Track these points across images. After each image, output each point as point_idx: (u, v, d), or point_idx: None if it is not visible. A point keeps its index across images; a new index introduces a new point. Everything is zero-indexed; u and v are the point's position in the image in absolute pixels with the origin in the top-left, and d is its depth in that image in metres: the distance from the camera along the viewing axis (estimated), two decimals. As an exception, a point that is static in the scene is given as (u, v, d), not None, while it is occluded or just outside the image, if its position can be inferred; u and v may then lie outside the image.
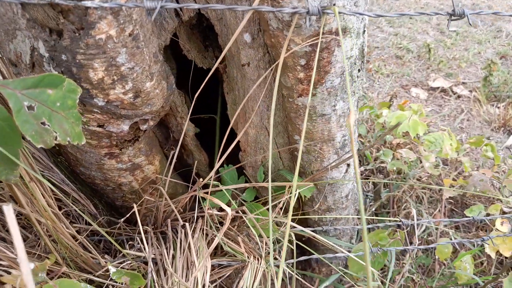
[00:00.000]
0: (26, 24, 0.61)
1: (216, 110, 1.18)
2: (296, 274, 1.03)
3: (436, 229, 1.50)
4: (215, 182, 1.07)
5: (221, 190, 1.06)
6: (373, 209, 1.60)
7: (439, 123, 2.50)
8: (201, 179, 0.99)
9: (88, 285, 0.71)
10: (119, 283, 0.87)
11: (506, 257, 1.50)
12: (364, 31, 0.76)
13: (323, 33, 0.66)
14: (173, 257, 1.03)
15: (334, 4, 0.63)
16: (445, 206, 1.68)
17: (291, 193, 1.07)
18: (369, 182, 1.72)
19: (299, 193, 1.08)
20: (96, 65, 0.62)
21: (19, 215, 0.96)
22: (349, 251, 1.19)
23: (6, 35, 0.67)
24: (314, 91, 0.80)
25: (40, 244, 0.96)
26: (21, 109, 0.49)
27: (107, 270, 0.91)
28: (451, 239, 1.49)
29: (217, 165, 0.93)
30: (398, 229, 1.09)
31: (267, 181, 1.12)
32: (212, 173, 0.94)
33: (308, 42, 0.67)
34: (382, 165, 1.81)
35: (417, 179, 1.71)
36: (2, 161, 0.52)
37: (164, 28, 0.77)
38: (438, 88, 2.94)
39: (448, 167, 1.80)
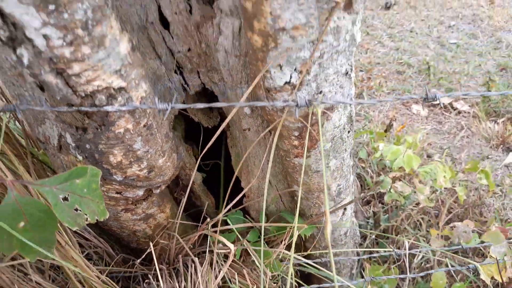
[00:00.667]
0: (55, 118, 0.71)
1: (220, 154, 1.28)
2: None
3: (434, 255, 1.57)
4: (224, 218, 1.17)
5: (228, 229, 1.16)
6: (373, 236, 1.68)
7: (438, 142, 2.57)
8: (208, 219, 1.08)
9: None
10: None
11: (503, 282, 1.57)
12: (351, 98, 0.85)
13: (312, 113, 0.75)
14: (185, 289, 1.13)
15: (320, 92, 0.72)
16: (441, 231, 1.75)
17: (291, 233, 1.16)
18: (370, 209, 1.80)
19: (300, 233, 1.16)
20: (115, 152, 0.71)
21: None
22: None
23: (36, 120, 0.77)
24: (308, 153, 0.88)
25: (68, 285, 1.06)
26: (58, 202, 0.59)
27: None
28: (447, 265, 1.57)
29: (224, 210, 1.03)
30: (393, 266, 1.18)
31: (269, 222, 1.21)
32: (220, 216, 1.03)
33: (299, 121, 0.76)
34: (382, 190, 1.89)
35: (416, 204, 1.79)
36: (42, 242, 0.62)
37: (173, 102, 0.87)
38: (438, 104, 3.01)
39: (445, 191, 1.88)
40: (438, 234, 1.06)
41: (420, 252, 1.43)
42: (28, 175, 0.79)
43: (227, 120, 0.72)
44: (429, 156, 2.32)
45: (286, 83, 0.67)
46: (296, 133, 0.81)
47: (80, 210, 0.60)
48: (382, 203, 1.84)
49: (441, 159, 2.10)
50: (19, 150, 0.83)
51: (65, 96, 0.60)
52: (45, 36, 0.52)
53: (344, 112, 0.83)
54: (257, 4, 0.57)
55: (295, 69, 0.65)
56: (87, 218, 0.62)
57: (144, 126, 0.70)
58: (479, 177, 1.66)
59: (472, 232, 1.35)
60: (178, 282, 1.16)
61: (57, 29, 0.52)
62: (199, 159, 0.90)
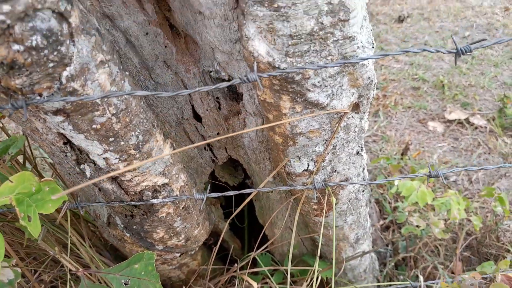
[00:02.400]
0: (106, 204, 0.82)
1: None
2: None
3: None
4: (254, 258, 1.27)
5: (255, 271, 1.27)
6: (393, 263, 1.76)
7: (455, 161, 2.61)
8: (236, 264, 1.19)
9: None
10: None
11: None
12: (364, 168, 0.94)
13: (329, 185, 0.85)
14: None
15: (335, 171, 0.81)
16: (461, 256, 1.82)
17: (313, 274, 1.26)
18: (389, 235, 1.88)
19: (321, 275, 1.26)
20: (158, 230, 0.82)
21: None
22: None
23: (87, 200, 0.89)
24: (327, 214, 0.98)
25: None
26: (121, 286, 0.70)
27: None
28: (465, 293, 1.63)
29: (253, 253, 1.14)
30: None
31: (292, 265, 1.31)
32: (250, 257, 1.15)
33: (317, 194, 0.86)
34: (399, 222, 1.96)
35: (432, 233, 1.85)
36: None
37: (204, 173, 0.98)
38: (454, 120, 3.05)
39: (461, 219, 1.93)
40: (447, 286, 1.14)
41: (436, 284, 1.50)
42: (92, 259, 0.91)
43: (248, 199, 0.83)
44: (445, 178, 2.37)
45: (304, 170, 0.77)
46: (315, 201, 0.91)
47: (138, 291, 0.71)
48: (400, 230, 1.91)
49: (456, 190, 2.15)
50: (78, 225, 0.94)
51: (118, 196, 0.72)
52: (105, 158, 0.64)
53: (357, 179, 0.93)
54: (277, 117, 0.67)
55: (311, 159, 0.75)
56: (144, 298, 0.73)
57: (183, 208, 0.81)
58: (494, 205, 1.72)
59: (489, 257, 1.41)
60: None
61: (115, 153, 0.63)
62: (226, 224, 1.00)
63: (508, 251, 1.73)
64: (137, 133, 0.63)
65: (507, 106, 2.81)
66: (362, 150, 0.84)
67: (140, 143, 0.65)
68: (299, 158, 0.75)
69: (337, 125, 0.70)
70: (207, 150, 0.94)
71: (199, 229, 0.90)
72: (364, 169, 0.93)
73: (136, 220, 0.80)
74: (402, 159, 2.39)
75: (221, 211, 1.24)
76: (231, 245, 1.38)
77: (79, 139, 0.60)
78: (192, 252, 1.02)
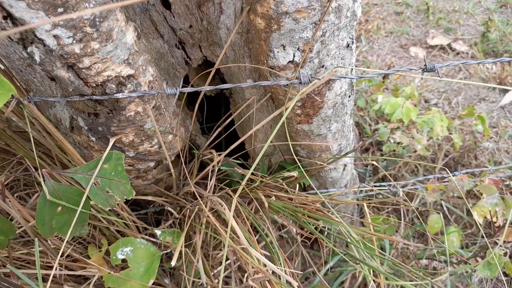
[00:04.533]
0: (66, 103, 0.73)
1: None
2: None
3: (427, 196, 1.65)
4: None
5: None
6: (372, 183, 1.75)
7: (436, 86, 2.58)
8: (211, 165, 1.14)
9: (142, 239, 0.86)
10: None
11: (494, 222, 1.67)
12: (352, 69, 0.87)
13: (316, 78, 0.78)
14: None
15: (323, 66, 0.74)
16: (439, 174, 1.83)
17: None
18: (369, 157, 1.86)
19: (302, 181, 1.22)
20: (127, 132, 0.74)
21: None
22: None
23: (46, 103, 0.79)
24: (311, 120, 0.92)
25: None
26: (91, 187, 0.64)
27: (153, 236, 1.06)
28: (441, 206, 1.66)
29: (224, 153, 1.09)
30: (391, 215, 1.25)
31: (269, 173, 1.27)
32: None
33: (302, 93, 0.79)
34: (381, 139, 1.94)
35: (413, 151, 1.85)
36: (77, 221, 0.67)
37: (177, 76, 0.89)
38: (437, 46, 2.98)
39: (442, 138, 1.93)
40: (433, 189, 1.12)
41: (416, 194, 1.51)
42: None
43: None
44: (426, 101, 2.35)
45: (289, 62, 0.69)
46: (299, 104, 0.84)
47: (110, 192, 0.65)
48: (381, 151, 1.90)
49: (437, 105, 2.13)
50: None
51: (77, 87, 0.63)
52: (56, 36, 0.53)
53: (345, 80, 0.85)
54: (259, -9, 0.57)
55: (298, 49, 0.67)
56: (117, 199, 0.67)
57: (153, 107, 0.73)
58: (475, 124, 1.71)
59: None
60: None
61: (67, 29, 0.53)
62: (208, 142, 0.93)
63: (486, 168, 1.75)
64: (92, 5, 0.53)
65: (490, 30, 2.74)
66: (352, 43, 0.76)
67: (97, 19, 0.55)
68: (284, 47, 0.67)
69: (328, 3, 0.61)
70: (178, 48, 0.84)
71: (173, 134, 0.83)
72: (352, 69, 0.85)
73: (101, 120, 0.71)
74: (383, 82, 2.33)
75: (198, 126, 1.17)
76: (210, 163, 1.32)
77: (20, 9, 0.49)
78: (167, 162, 0.96)
